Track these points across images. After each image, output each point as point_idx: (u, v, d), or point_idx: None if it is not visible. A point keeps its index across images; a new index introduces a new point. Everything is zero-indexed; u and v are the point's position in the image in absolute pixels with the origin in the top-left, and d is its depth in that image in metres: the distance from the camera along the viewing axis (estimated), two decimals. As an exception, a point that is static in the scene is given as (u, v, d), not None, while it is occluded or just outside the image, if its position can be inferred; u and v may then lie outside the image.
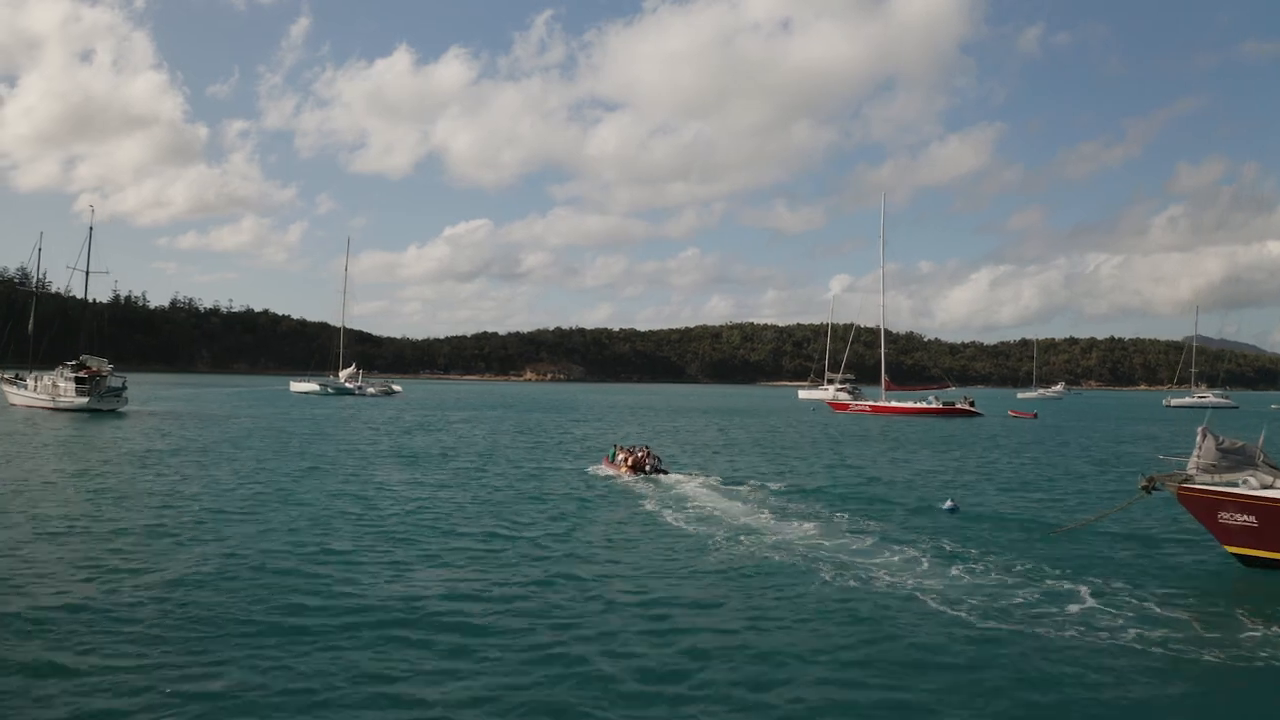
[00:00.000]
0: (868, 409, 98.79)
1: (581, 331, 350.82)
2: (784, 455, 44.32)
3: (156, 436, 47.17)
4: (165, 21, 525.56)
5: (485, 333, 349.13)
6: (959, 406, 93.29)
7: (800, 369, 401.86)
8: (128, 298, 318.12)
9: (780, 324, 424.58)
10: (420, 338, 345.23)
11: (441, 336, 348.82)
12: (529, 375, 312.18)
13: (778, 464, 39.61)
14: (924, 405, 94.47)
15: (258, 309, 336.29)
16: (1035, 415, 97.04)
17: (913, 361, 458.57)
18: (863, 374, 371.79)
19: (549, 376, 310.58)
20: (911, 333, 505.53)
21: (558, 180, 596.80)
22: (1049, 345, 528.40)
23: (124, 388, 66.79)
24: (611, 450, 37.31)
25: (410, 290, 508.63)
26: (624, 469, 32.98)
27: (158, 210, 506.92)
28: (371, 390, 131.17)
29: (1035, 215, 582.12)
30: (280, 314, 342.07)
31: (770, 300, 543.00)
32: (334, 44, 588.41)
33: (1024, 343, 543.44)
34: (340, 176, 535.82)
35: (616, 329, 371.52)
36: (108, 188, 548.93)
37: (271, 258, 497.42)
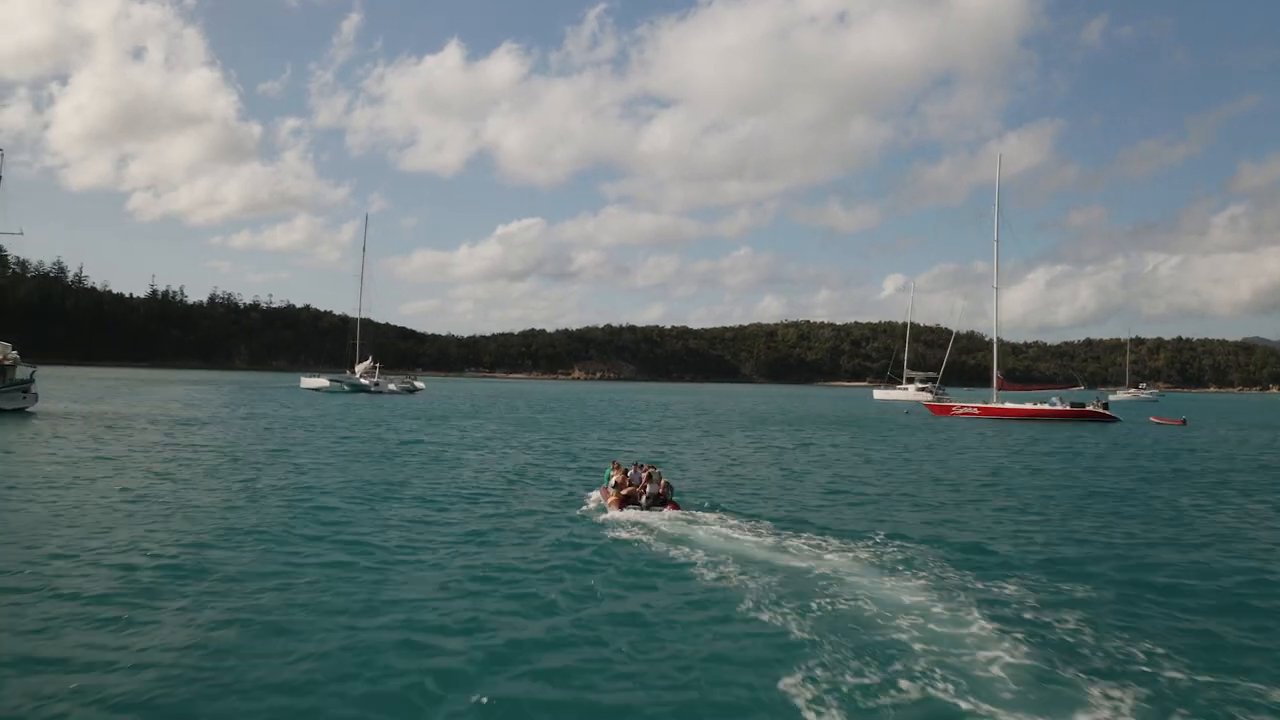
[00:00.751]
0: (976, 411, 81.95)
1: (632, 329, 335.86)
2: (978, 506, 24.88)
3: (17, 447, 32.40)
4: (216, 18, 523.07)
5: (533, 330, 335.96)
6: (1091, 409, 76.58)
7: (859, 369, 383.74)
8: (165, 292, 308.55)
9: (837, 323, 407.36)
10: (467, 335, 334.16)
11: (489, 334, 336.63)
12: (577, 374, 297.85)
13: (1001, 526, 21.49)
14: (1046, 407, 77.75)
15: (300, 304, 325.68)
16: (1183, 422, 79.68)
17: (975, 362, 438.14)
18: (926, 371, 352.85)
19: (598, 375, 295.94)
20: (973, 332, 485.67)
21: (609, 178, 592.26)
22: (1114, 345, 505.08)
23: (31, 381, 51.95)
24: (606, 471, 24.52)
25: (462, 289, 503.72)
26: (613, 501, 21.34)
27: (211, 209, 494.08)
28: (392, 387, 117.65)
29: (1095, 213, 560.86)
30: (322, 309, 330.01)
31: (823, 300, 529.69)
32: (386, 40, 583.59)
33: (1088, 343, 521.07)
34: (392, 174, 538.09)
35: (668, 326, 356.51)
36: (160, 186, 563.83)
37: (324, 257, 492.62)
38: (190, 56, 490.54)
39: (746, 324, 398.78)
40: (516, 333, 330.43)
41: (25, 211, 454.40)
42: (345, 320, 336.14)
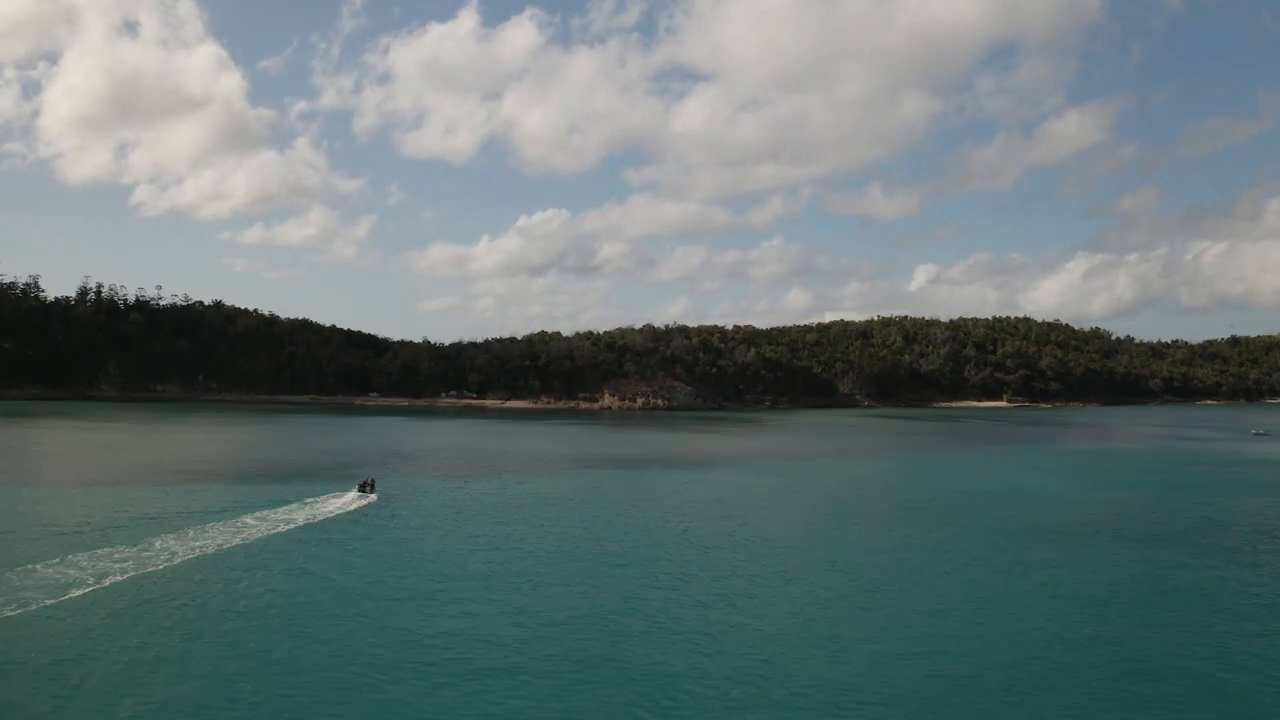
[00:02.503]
0: None
1: (684, 332, 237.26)
2: None
3: None
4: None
5: (543, 333, 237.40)
6: None
7: (991, 382, 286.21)
8: (9, 285, 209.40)
9: (880, 315, 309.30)
10: (452, 341, 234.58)
11: (481, 339, 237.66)
12: (607, 401, 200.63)
13: None
14: None
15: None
16: None
17: (1123, 369, 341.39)
18: (1072, 385, 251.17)
19: (639, 403, 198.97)
20: (1098, 329, 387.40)
21: (635, 163, 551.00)
22: (1271, 344, 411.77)
23: None
24: None
25: (481, 285, 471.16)
26: None
27: (218, 203, 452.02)
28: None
29: (1147, 197, 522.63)
30: (238, 307, 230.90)
31: (852, 293, 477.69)
32: (389, 7, 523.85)
33: (1234, 340, 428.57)
34: (402, 161, 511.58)
35: (730, 327, 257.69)
36: (164, 178, 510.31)
37: (340, 252, 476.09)
38: (188, 32, 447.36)
39: (829, 321, 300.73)
40: (520, 337, 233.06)
41: (19, 206, 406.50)
42: (273, 323, 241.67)
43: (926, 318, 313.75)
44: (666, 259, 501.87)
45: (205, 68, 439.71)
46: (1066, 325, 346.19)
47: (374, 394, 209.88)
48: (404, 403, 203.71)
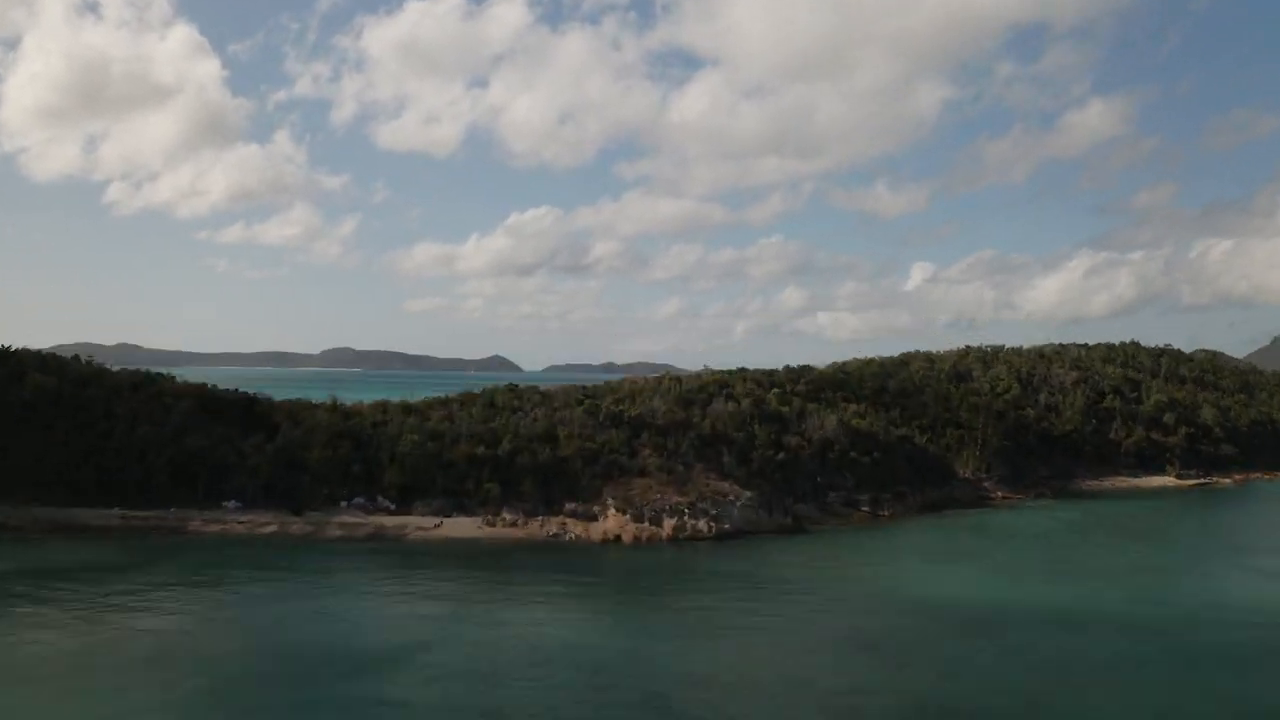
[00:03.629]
0: None
1: (723, 386, 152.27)
2: None
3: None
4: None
5: (515, 390, 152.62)
6: None
7: (1148, 447, 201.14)
8: None
9: (1011, 344, 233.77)
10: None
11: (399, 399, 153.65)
12: (612, 521, 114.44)
13: None
14: None
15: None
16: None
17: None
18: (1241, 443, 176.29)
19: (668, 527, 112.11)
20: (1211, 352, 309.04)
21: (629, 156, 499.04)
22: None
23: None
24: None
25: (469, 285, 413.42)
26: None
27: (195, 200, 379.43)
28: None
29: (1164, 192, 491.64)
30: (31, 350, 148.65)
31: (848, 292, 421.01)
32: None
33: None
34: (381, 154, 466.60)
35: (782, 369, 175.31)
36: (138, 174, 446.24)
37: (324, 252, 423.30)
38: (154, 14, 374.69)
39: (914, 349, 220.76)
40: (451, 398, 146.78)
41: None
42: (82, 381, 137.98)
43: (1030, 347, 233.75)
44: (660, 257, 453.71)
45: (176, 53, 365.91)
46: (1177, 350, 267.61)
47: (232, 503, 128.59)
48: (270, 524, 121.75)
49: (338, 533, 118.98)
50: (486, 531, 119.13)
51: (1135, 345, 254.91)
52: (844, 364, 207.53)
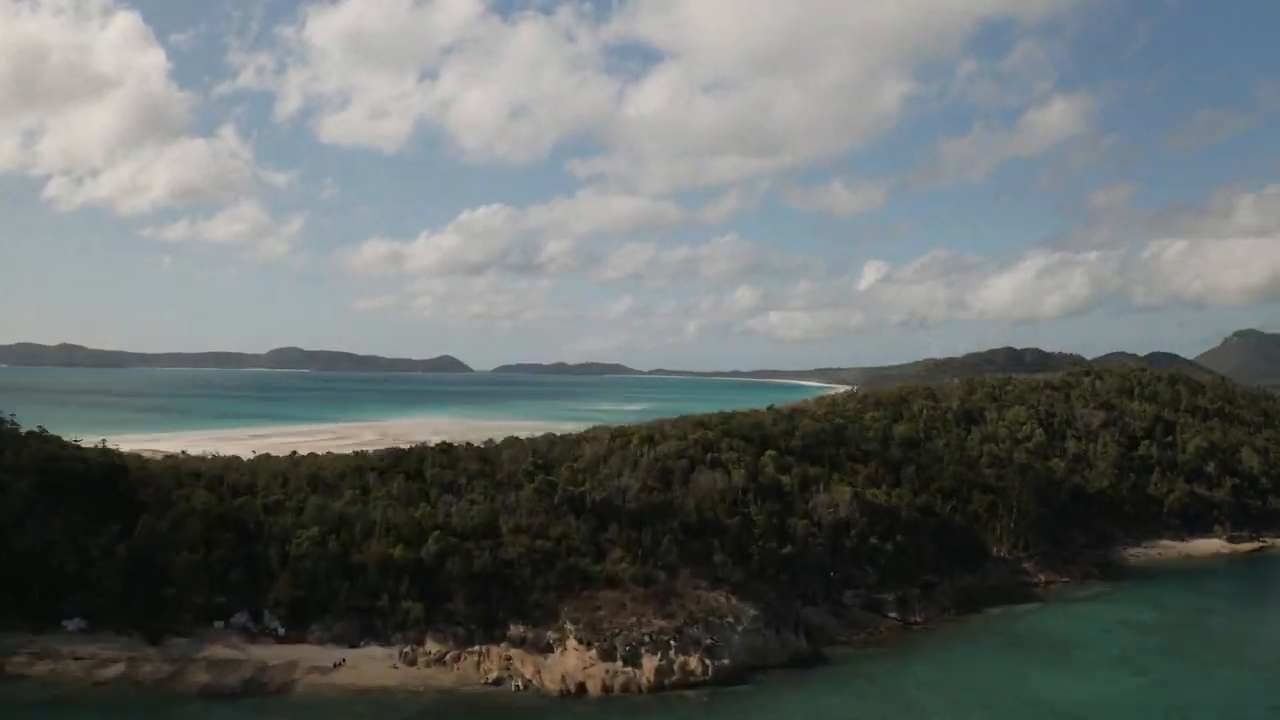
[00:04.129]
0: None
1: (705, 449, 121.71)
2: None
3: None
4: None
5: (446, 466, 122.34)
6: None
7: (1192, 503, 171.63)
8: None
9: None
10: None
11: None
12: (571, 658, 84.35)
13: None
14: None
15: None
16: None
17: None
18: None
19: (650, 669, 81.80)
20: (1222, 378, 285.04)
21: (583, 153, 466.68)
22: None
23: None
24: None
25: (419, 284, 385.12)
26: None
27: (138, 196, 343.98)
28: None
29: (1122, 193, 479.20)
30: None
31: (801, 292, 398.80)
32: None
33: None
34: (324, 149, 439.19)
35: (768, 414, 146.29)
36: (78, 169, 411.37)
37: (271, 250, 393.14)
38: (93, 3, 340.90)
39: (904, 386, 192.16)
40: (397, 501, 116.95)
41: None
42: None
43: (1041, 378, 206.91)
44: (613, 256, 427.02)
45: (117, 42, 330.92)
46: (1189, 375, 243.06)
47: (75, 621, 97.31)
48: (116, 660, 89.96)
49: (204, 678, 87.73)
50: (404, 674, 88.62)
51: (1148, 372, 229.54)
52: (837, 403, 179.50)
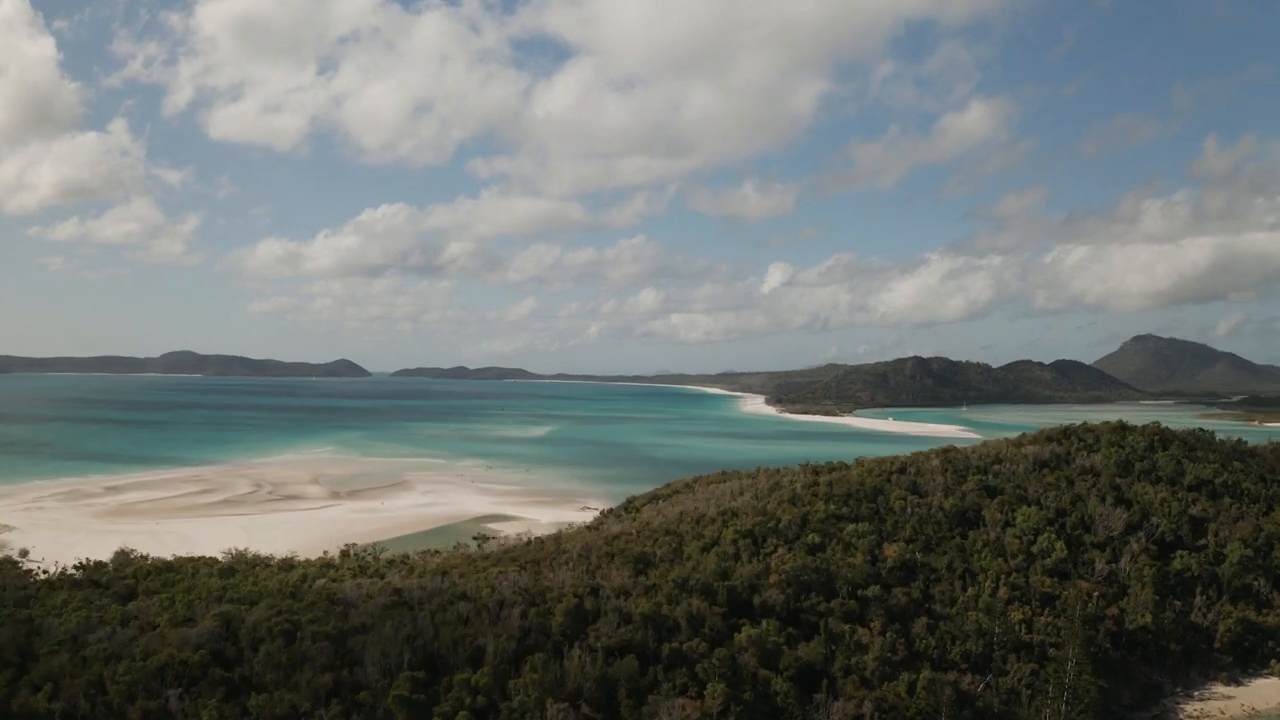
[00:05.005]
0: None
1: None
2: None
3: None
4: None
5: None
6: None
7: (1246, 631, 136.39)
8: None
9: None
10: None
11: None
12: None
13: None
14: None
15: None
16: None
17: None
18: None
19: None
20: (1224, 439, 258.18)
21: (486, 153, 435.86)
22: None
23: None
24: None
25: (317, 285, 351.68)
26: None
27: (24, 194, 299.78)
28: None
29: (1031, 198, 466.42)
30: None
31: (704, 294, 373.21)
32: None
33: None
34: (226, 147, 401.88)
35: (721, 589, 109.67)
36: None
37: (165, 249, 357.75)
38: None
39: (862, 465, 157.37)
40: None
41: None
42: None
43: (1048, 456, 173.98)
44: (516, 258, 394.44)
45: (1, 27, 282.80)
46: (1164, 430, 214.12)
47: None
48: None
49: None
50: None
51: (1133, 434, 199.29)
52: (768, 510, 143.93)
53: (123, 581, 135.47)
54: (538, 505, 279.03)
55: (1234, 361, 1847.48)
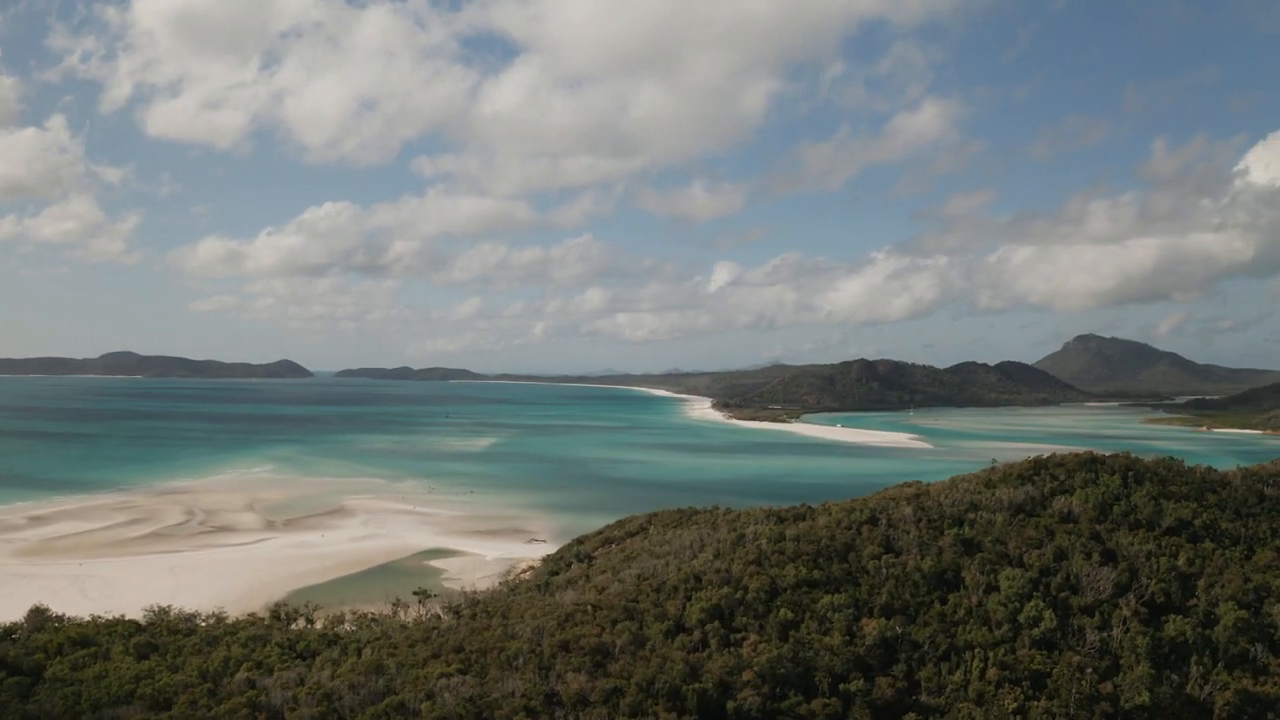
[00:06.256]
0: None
1: None
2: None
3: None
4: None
5: None
6: None
7: (1246, 703, 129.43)
8: None
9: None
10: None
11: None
12: None
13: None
14: None
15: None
16: None
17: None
18: None
19: None
20: (1206, 469, 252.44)
21: (432, 151, 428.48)
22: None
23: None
24: None
25: (259, 284, 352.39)
26: None
27: None
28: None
29: (979, 200, 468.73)
30: None
31: (651, 294, 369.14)
32: None
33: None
34: (166, 144, 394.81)
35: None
36: None
37: (105, 249, 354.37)
38: None
39: (836, 523, 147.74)
40: None
41: None
42: None
43: (1023, 500, 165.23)
44: (461, 257, 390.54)
45: None
46: (1134, 461, 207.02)
47: None
48: None
49: None
50: None
51: (1104, 465, 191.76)
52: (733, 574, 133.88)
53: (30, 658, 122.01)
54: (482, 537, 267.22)
55: (1175, 361, 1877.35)
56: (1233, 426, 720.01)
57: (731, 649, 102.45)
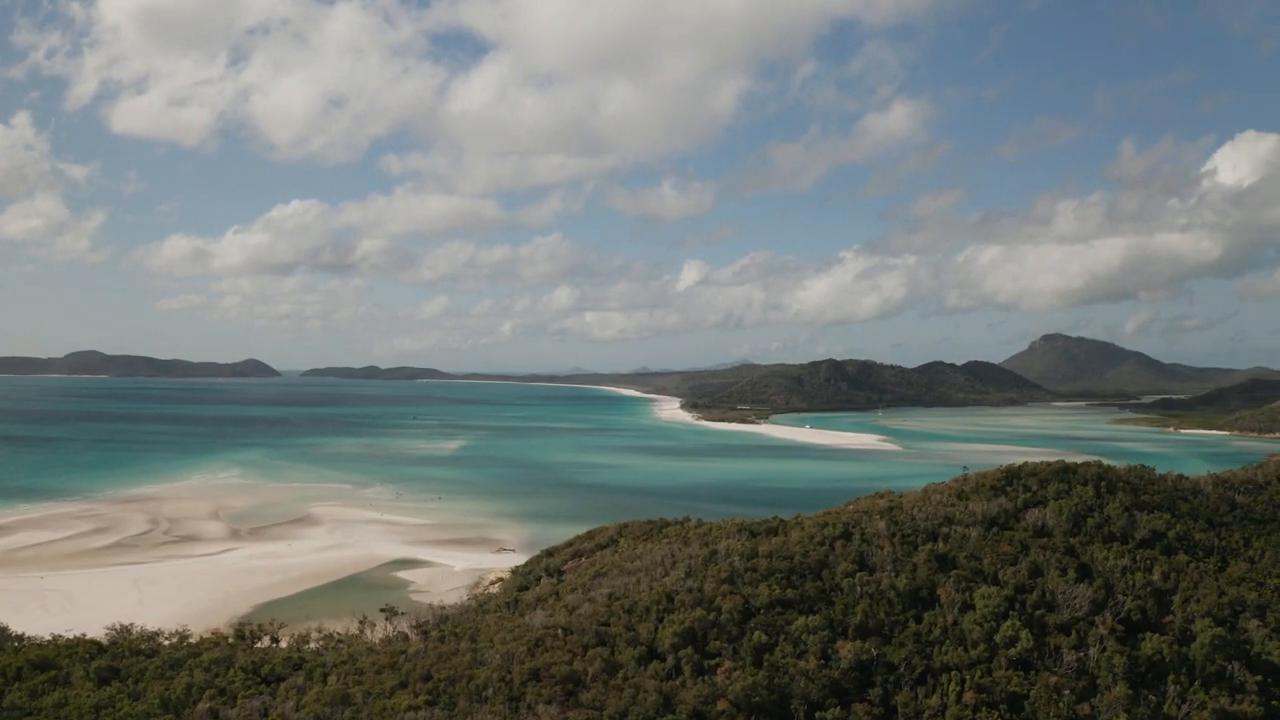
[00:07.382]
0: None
1: None
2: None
3: None
4: None
5: None
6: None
7: None
8: None
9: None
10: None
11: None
12: None
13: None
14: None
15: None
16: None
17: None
18: None
19: None
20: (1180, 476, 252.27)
21: (400, 149, 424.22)
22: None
23: None
24: None
25: (226, 283, 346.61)
26: None
27: None
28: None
29: (948, 199, 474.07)
30: None
31: (619, 293, 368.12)
32: None
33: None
34: (133, 142, 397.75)
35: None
36: None
37: (70, 247, 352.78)
38: None
39: (807, 541, 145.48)
40: None
41: None
42: None
43: (997, 513, 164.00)
44: (429, 256, 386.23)
45: None
46: (1107, 469, 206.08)
47: None
48: None
49: None
50: None
51: (1075, 474, 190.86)
52: (705, 595, 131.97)
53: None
54: (450, 546, 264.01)
55: (1141, 360, 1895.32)
56: (1200, 427, 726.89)
57: (705, 676, 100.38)
